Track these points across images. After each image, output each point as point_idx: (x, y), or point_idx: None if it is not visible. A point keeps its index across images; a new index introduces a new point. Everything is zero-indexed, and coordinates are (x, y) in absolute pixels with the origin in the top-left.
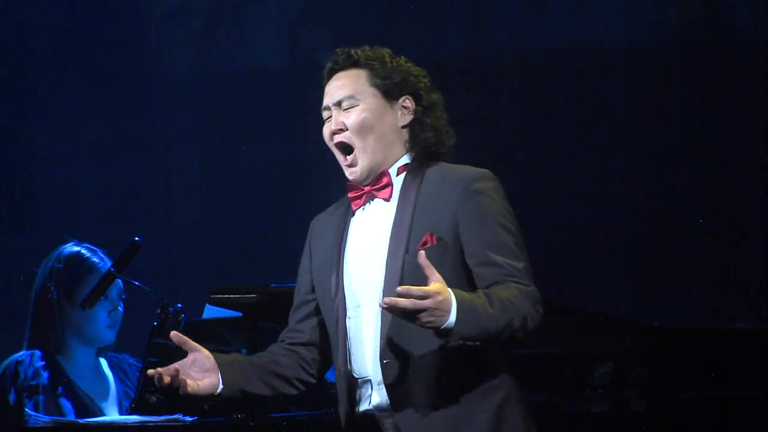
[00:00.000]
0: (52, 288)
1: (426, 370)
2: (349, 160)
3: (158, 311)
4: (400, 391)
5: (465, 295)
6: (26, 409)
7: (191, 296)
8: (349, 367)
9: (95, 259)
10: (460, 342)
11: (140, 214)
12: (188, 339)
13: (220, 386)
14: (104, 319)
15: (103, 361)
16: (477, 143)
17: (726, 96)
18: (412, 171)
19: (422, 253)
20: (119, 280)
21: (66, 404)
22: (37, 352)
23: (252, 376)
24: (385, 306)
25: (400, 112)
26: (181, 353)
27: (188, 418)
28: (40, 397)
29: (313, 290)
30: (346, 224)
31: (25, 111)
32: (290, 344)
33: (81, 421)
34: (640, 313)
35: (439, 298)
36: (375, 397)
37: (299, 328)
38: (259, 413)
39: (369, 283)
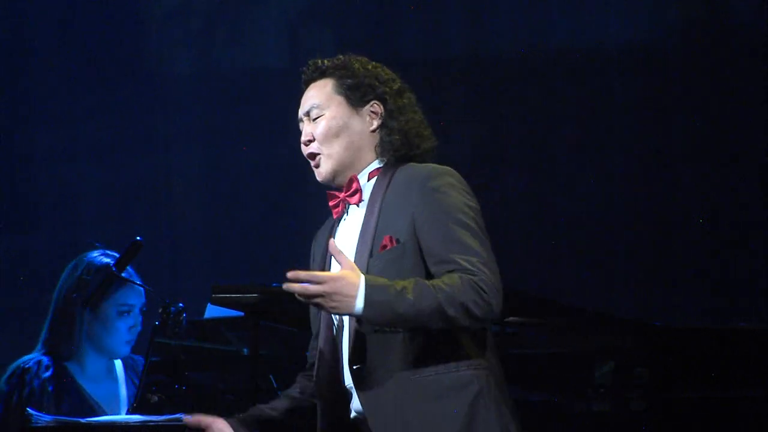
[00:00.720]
0: (77, 297)
1: (395, 372)
2: (315, 161)
3: (160, 311)
4: (372, 396)
5: (378, 281)
6: (28, 409)
7: (193, 296)
8: (339, 375)
9: (124, 274)
10: (377, 328)
11: (141, 213)
12: (201, 417)
13: None
14: (124, 334)
15: (118, 363)
16: (477, 143)
17: (726, 96)
18: (381, 175)
19: (331, 241)
20: (141, 293)
21: (76, 412)
22: (45, 360)
23: (274, 423)
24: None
25: (368, 118)
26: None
27: (189, 418)
28: (48, 407)
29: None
30: (332, 233)
31: (26, 111)
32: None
33: (83, 420)
34: (640, 312)
35: (337, 283)
36: (355, 403)
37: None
38: None
39: None
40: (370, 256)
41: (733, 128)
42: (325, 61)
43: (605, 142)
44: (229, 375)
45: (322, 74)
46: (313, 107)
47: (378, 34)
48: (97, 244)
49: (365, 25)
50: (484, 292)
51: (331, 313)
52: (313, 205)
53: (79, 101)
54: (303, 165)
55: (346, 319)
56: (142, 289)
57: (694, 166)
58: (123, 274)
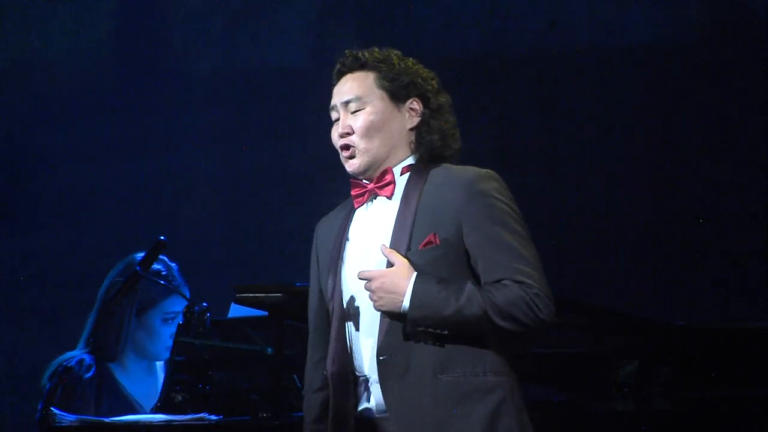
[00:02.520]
0: (126, 303)
1: (423, 368)
2: (349, 152)
3: (183, 310)
4: (395, 390)
5: (429, 282)
6: (51, 408)
7: (216, 295)
8: (350, 365)
9: (175, 282)
10: (421, 329)
11: (163, 213)
12: None
13: None
14: (166, 341)
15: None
16: (491, 142)
17: (747, 96)
18: (415, 172)
19: (382, 245)
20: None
21: (115, 411)
22: (87, 359)
23: None
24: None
25: (407, 114)
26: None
27: (213, 417)
28: (88, 406)
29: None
30: (347, 223)
31: (45, 111)
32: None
33: (106, 420)
34: (664, 312)
35: (382, 280)
36: (373, 396)
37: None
38: (284, 412)
39: None
40: (407, 250)
41: (753, 128)
42: (366, 53)
43: (620, 142)
44: (253, 374)
45: (362, 66)
46: (354, 99)
47: (399, 33)
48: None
49: (387, 23)
50: (535, 305)
51: (378, 310)
52: (335, 202)
53: (100, 100)
54: (326, 163)
55: (360, 312)
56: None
57: (711, 166)
58: (166, 280)
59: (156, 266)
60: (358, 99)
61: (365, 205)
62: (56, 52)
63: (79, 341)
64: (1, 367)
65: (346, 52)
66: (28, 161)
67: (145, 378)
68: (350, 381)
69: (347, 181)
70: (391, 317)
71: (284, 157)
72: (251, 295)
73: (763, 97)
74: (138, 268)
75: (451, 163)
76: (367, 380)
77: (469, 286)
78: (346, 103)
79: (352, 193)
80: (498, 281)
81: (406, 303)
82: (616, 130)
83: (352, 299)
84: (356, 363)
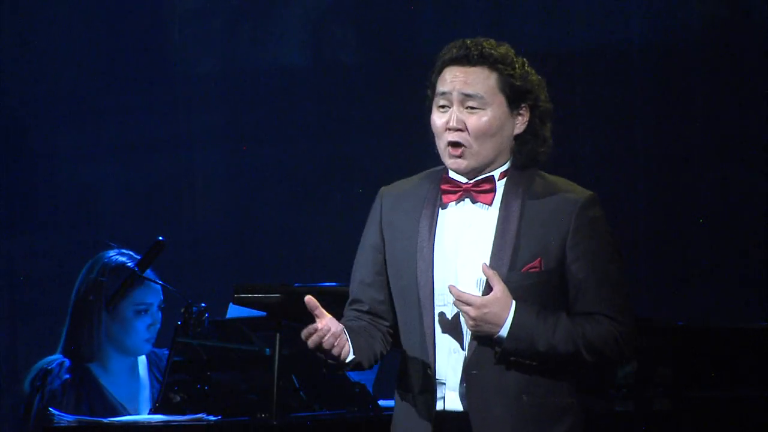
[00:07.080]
0: (93, 300)
1: (506, 387)
2: (459, 151)
3: (182, 311)
4: (479, 404)
5: (527, 316)
6: (50, 408)
7: (215, 296)
8: (430, 363)
9: (145, 274)
10: (512, 358)
11: (163, 213)
12: (319, 304)
13: (351, 355)
14: (143, 333)
15: (142, 359)
16: None
17: (747, 95)
18: (512, 178)
19: (484, 264)
20: (159, 290)
21: (96, 412)
22: (67, 362)
23: (365, 347)
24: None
25: (516, 120)
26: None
27: (211, 418)
28: (68, 408)
29: (383, 271)
30: (434, 215)
31: (46, 110)
32: (374, 318)
33: (105, 420)
34: (664, 312)
35: (484, 311)
36: (449, 400)
37: (380, 307)
38: (282, 412)
39: (461, 287)
40: (508, 269)
41: (755, 128)
42: (490, 49)
43: (620, 142)
44: (251, 375)
45: (484, 61)
46: (474, 96)
47: (401, 32)
48: (112, 244)
49: (388, 23)
50: (624, 342)
51: (471, 331)
52: (336, 204)
53: (101, 100)
54: (326, 164)
55: (444, 315)
56: (158, 286)
57: (711, 165)
58: (144, 275)
59: (121, 260)
60: (479, 98)
61: (455, 203)
62: (56, 51)
63: (59, 345)
64: (0, 368)
65: (468, 41)
66: (28, 161)
67: (127, 379)
68: (426, 378)
69: (347, 182)
70: (483, 339)
71: (284, 157)
72: (249, 295)
73: (764, 97)
74: (136, 269)
75: (539, 167)
76: (441, 385)
77: (565, 321)
78: (464, 97)
79: (443, 187)
80: (590, 313)
81: (503, 333)
82: (616, 129)
83: (442, 305)
84: (434, 364)
